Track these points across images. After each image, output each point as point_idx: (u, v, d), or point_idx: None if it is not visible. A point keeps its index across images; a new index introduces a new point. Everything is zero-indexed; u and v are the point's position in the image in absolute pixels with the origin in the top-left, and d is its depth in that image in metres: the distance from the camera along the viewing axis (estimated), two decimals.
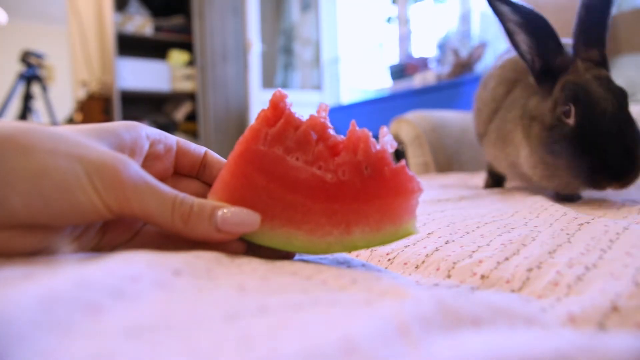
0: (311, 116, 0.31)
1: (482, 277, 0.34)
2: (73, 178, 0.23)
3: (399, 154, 1.47)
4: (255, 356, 0.13)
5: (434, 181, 1.20)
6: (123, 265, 0.20)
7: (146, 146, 0.30)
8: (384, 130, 0.31)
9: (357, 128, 0.31)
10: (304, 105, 3.22)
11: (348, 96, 3.11)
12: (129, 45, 2.96)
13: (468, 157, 1.49)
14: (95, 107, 2.85)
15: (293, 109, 0.30)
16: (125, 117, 2.96)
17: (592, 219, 0.43)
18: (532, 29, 0.60)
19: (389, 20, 2.71)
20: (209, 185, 0.34)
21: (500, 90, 0.76)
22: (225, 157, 0.32)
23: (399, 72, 2.27)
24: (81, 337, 0.14)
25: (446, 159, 1.42)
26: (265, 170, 0.29)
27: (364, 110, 2.24)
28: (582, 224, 0.42)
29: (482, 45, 1.87)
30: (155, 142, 0.31)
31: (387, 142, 0.30)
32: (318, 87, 3.41)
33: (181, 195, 0.27)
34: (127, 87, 2.87)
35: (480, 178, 1.18)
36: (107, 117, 2.91)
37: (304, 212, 0.29)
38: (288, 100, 0.31)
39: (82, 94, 2.93)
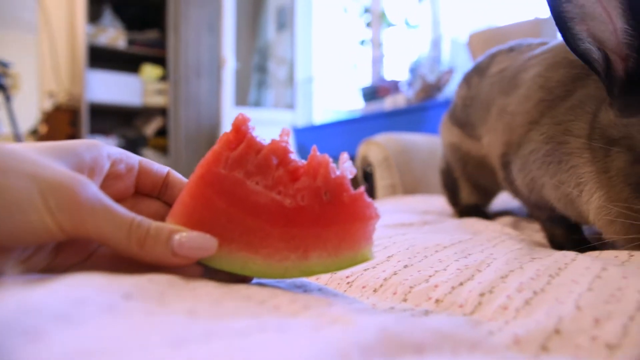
0: (272, 141, 0.31)
1: (437, 301, 0.35)
2: (26, 197, 0.23)
3: (368, 176, 1.49)
4: None
5: (400, 203, 1.21)
6: (70, 289, 0.20)
7: (106, 165, 0.29)
8: (343, 156, 0.31)
9: (318, 153, 0.31)
10: (276, 124, 3.23)
11: (321, 116, 3.14)
12: (101, 58, 2.92)
13: (436, 180, 1.52)
14: (62, 119, 2.78)
15: (259, 130, 0.30)
16: (94, 130, 2.90)
17: (546, 255, 0.44)
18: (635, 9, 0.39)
19: (362, 42, 2.77)
20: (170, 205, 0.33)
21: (556, 87, 0.51)
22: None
23: (371, 94, 2.31)
24: None
25: (413, 182, 1.45)
26: (225, 193, 0.29)
27: (336, 131, 2.26)
28: (534, 258, 0.42)
29: (450, 71, 1.93)
30: (116, 161, 0.30)
31: (346, 168, 0.30)
32: (291, 106, 3.43)
33: (138, 218, 0.27)
34: (97, 99, 2.82)
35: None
36: (73, 129, 2.84)
37: (262, 236, 0.29)
38: (250, 124, 0.31)
39: (48, 104, 2.85)
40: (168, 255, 0.27)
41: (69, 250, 0.29)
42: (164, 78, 3.08)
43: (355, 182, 2.26)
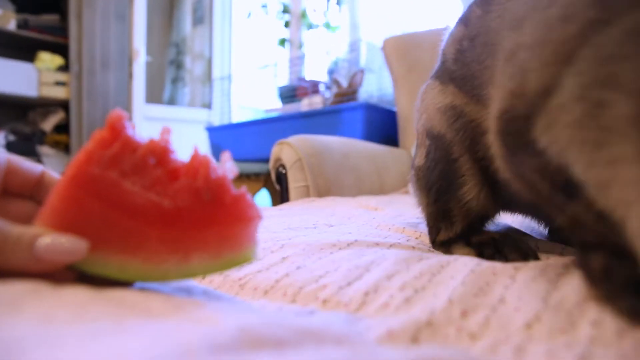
0: (150, 139, 0.30)
1: (324, 301, 0.36)
2: None
3: (280, 177, 1.45)
4: None
5: (310, 205, 1.19)
6: None
7: None
8: (225, 156, 0.31)
9: (200, 153, 0.30)
10: (192, 122, 3.08)
11: (238, 115, 3.05)
12: None
13: (349, 182, 1.52)
14: None
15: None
16: None
17: (434, 256, 0.45)
18: None
19: (282, 42, 2.73)
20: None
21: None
22: None
23: (289, 94, 2.28)
24: None
25: (326, 184, 1.43)
26: (98, 194, 0.28)
27: (251, 131, 2.20)
28: (422, 259, 0.43)
29: (362, 71, 1.95)
30: None
31: (228, 169, 0.30)
32: (208, 104, 3.31)
33: None
34: None
35: (357, 202, 1.20)
36: None
37: (139, 239, 0.28)
38: (127, 122, 0.30)
39: None
40: (31, 260, 0.25)
41: None
42: (65, 68, 2.81)
43: (269, 183, 2.22)
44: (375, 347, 0.24)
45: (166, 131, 0.32)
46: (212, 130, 2.43)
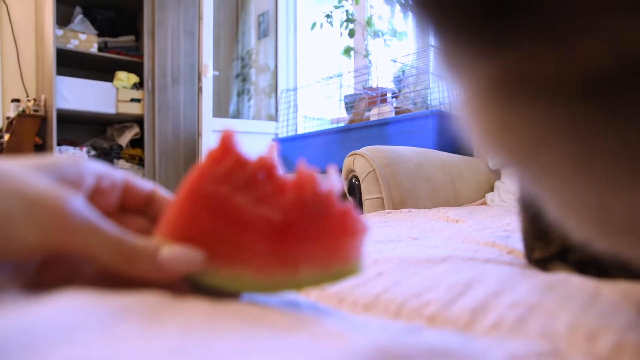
0: (260, 156, 0.31)
1: (430, 318, 0.35)
2: (11, 213, 0.24)
3: (353, 188, 1.40)
4: None
5: (388, 217, 1.13)
6: (64, 308, 0.20)
7: (90, 181, 0.30)
8: (332, 170, 0.31)
9: (305, 167, 0.31)
10: (258, 134, 3.13)
11: (304, 126, 3.06)
12: (72, 63, 2.79)
13: (423, 193, 1.44)
14: (28, 128, 2.62)
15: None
16: (63, 140, 2.75)
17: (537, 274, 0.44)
18: None
19: (346, 52, 2.70)
20: (155, 221, 0.33)
21: None
22: (172, 187, 0.33)
23: (355, 104, 2.24)
24: None
25: (400, 195, 1.36)
26: (212, 209, 0.29)
27: (319, 142, 2.18)
28: (525, 276, 0.43)
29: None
30: (101, 177, 0.31)
31: (334, 183, 0.31)
32: (273, 116, 3.34)
33: (124, 233, 0.27)
34: (67, 107, 2.68)
35: (435, 214, 1.13)
36: (41, 139, 2.69)
37: (250, 251, 0.29)
38: (237, 140, 0.31)
39: (13, 112, 2.70)
40: (154, 270, 0.28)
41: (55, 266, 0.29)
42: (139, 85, 2.95)
43: (342, 196, 2.17)
44: None
45: (272, 147, 0.33)
46: (280, 142, 2.44)
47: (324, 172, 0.32)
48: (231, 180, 0.30)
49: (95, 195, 0.30)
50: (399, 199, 1.36)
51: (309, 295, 0.42)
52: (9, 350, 0.16)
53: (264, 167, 0.31)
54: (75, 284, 0.27)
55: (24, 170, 0.26)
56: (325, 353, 0.18)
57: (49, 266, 0.29)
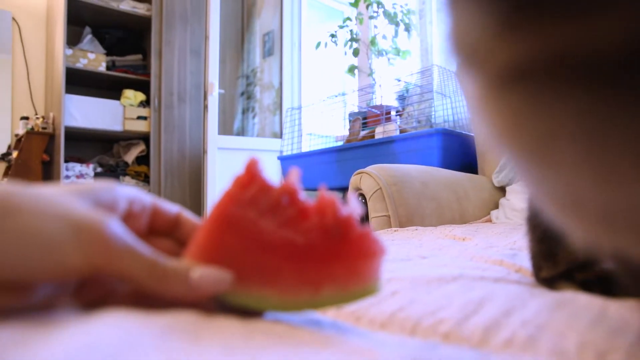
0: (283, 182, 0.33)
1: (445, 335, 0.36)
2: (58, 237, 0.25)
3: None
4: None
5: (396, 235, 1.14)
6: (116, 328, 0.21)
7: (123, 205, 0.31)
8: (351, 195, 0.33)
9: (326, 194, 0.33)
10: (262, 152, 3.15)
11: (309, 144, 3.08)
12: (80, 82, 2.83)
13: (429, 212, 1.45)
14: (36, 145, 2.65)
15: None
16: (71, 157, 2.78)
17: (547, 293, 0.45)
18: None
19: (350, 70, 2.74)
20: (181, 243, 0.35)
21: None
22: (177, 204, 0.35)
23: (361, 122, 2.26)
24: None
25: (407, 213, 1.37)
26: (239, 233, 0.31)
27: (326, 159, 2.19)
28: (534, 295, 0.43)
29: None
30: (132, 201, 0.32)
31: (354, 207, 0.32)
32: (277, 133, 3.37)
33: (157, 255, 0.29)
34: (75, 125, 2.71)
35: (442, 231, 1.13)
36: (48, 155, 2.71)
37: (275, 273, 0.31)
38: (261, 166, 0.33)
39: (22, 129, 2.73)
40: (186, 290, 0.29)
41: (91, 286, 0.30)
42: (146, 103, 2.99)
43: (361, 219, 2.17)
44: None
45: (294, 173, 0.34)
46: (284, 159, 2.46)
47: (330, 189, 0.34)
48: (257, 205, 0.32)
49: (127, 219, 0.31)
50: (406, 217, 1.37)
51: (328, 314, 0.43)
52: None
53: (287, 192, 0.33)
54: (110, 304, 0.29)
55: (64, 196, 0.27)
56: None
57: (85, 286, 0.30)
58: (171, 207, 0.36)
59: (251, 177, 0.33)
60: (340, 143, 2.35)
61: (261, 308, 0.31)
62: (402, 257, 0.74)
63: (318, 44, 2.77)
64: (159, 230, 0.35)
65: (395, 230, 1.25)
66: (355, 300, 0.32)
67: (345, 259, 0.32)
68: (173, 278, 0.29)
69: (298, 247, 0.32)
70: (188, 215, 0.36)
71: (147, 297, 0.30)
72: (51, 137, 2.73)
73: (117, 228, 0.28)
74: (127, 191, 0.32)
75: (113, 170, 2.97)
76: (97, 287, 0.31)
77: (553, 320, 0.36)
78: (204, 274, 0.29)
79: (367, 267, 0.32)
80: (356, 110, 2.47)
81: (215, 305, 0.31)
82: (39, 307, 0.28)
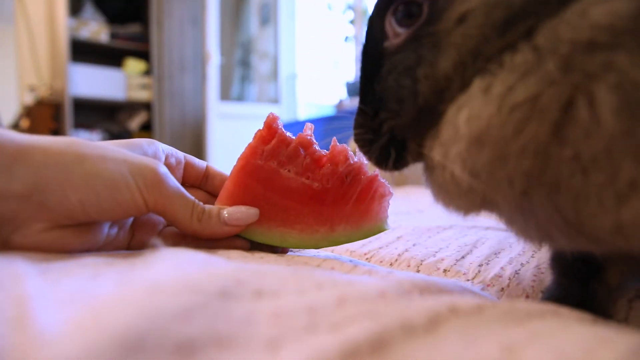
0: (299, 134, 0.36)
1: (445, 271, 0.42)
2: (120, 178, 0.28)
3: None
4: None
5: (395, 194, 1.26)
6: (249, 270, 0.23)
7: (163, 159, 0.34)
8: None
9: (337, 144, 0.37)
10: (260, 118, 3.23)
11: (305, 111, 3.17)
12: (83, 51, 2.89)
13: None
14: (44, 113, 2.74)
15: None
16: (77, 124, 2.87)
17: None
18: None
19: (346, 39, 2.82)
20: (211, 194, 0.38)
21: None
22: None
23: (356, 89, 2.35)
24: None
25: (402, 174, 1.50)
26: (262, 180, 0.34)
27: (325, 126, 2.28)
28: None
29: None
30: (169, 155, 0.35)
31: (362, 155, 0.35)
32: (275, 100, 3.46)
33: (195, 199, 0.32)
34: (80, 94, 2.79)
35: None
36: (56, 123, 2.81)
37: (295, 214, 0.34)
38: (280, 122, 0.36)
39: (29, 98, 2.81)
40: (221, 225, 0.32)
41: (143, 230, 0.34)
42: (148, 72, 3.07)
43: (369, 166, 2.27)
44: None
45: (309, 127, 0.38)
46: (284, 127, 2.55)
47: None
48: (277, 156, 0.35)
49: None
50: (401, 177, 1.51)
51: (343, 254, 0.48)
52: (241, 292, 0.19)
53: (304, 144, 0.36)
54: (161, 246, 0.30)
55: (118, 147, 0.30)
56: (391, 279, 0.23)
57: (137, 230, 0.34)
58: (201, 162, 0.38)
59: (271, 132, 0.35)
60: (338, 112, 2.45)
61: (284, 245, 0.35)
62: (402, 211, 0.82)
63: (314, 13, 2.81)
64: (191, 182, 0.38)
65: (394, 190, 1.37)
66: (367, 236, 0.35)
67: (357, 201, 0.35)
68: (209, 216, 0.31)
69: (314, 191, 0.34)
70: (216, 169, 0.39)
71: (190, 239, 0.33)
72: (58, 107, 2.82)
73: (168, 173, 0.30)
74: (164, 146, 0.35)
75: (118, 137, 3.07)
76: (149, 231, 0.34)
77: (533, 259, 0.42)
78: (233, 210, 0.33)
79: (376, 208, 0.35)
80: (353, 78, 2.56)
81: (247, 243, 0.35)
82: (103, 247, 0.30)
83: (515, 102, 0.22)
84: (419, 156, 0.29)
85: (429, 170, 0.28)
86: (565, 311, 0.22)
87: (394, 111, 0.28)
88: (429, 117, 0.27)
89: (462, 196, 0.25)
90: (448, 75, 0.25)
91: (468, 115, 0.23)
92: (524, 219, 0.26)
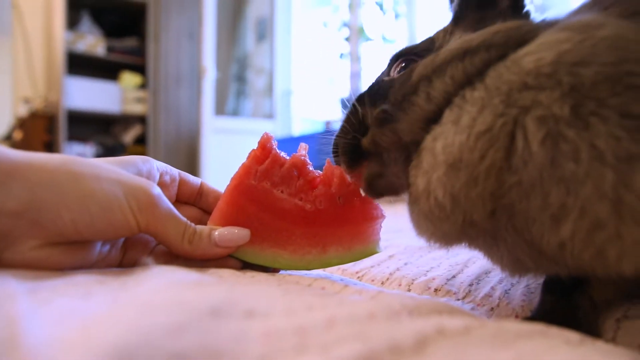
0: (293, 155, 0.37)
1: (435, 290, 0.42)
2: (114, 199, 0.28)
3: None
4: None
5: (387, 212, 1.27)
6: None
7: (157, 176, 0.34)
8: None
9: (332, 164, 0.37)
10: (255, 133, 3.26)
11: (299, 127, 3.18)
12: (79, 64, 2.90)
13: None
14: (38, 126, 2.73)
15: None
16: (71, 137, 2.86)
17: None
18: None
19: (341, 56, 2.85)
20: (204, 211, 0.38)
21: None
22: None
23: None
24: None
25: None
26: (255, 201, 0.34)
27: (315, 142, 2.30)
28: None
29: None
30: (163, 173, 0.35)
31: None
32: (270, 115, 3.48)
33: (187, 220, 0.32)
34: (75, 106, 2.79)
35: None
36: (50, 136, 2.80)
37: (288, 235, 0.34)
38: (274, 141, 0.36)
39: (23, 110, 2.80)
40: (212, 247, 0.32)
41: (135, 248, 0.33)
42: (143, 86, 3.08)
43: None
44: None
45: (303, 147, 0.38)
46: (279, 142, 2.56)
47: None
48: (270, 176, 0.35)
49: (160, 188, 0.33)
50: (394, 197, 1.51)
51: (335, 273, 0.46)
52: (233, 313, 0.19)
53: (297, 164, 0.36)
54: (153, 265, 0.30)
55: (112, 165, 0.30)
56: (379, 301, 0.23)
57: (129, 248, 0.33)
58: (195, 179, 0.38)
59: (265, 152, 0.35)
60: (332, 128, 2.47)
61: (276, 266, 0.35)
62: (394, 229, 0.79)
63: (310, 30, 2.85)
64: (185, 199, 0.38)
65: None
66: (358, 259, 0.35)
67: (349, 223, 0.35)
68: (199, 238, 0.31)
69: (307, 213, 0.34)
70: (210, 186, 0.39)
71: (181, 258, 0.33)
72: (52, 119, 2.82)
73: (161, 194, 0.30)
74: (159, 164, 0.35)
75: (112, 151, 3.07)
76: (141, 249, 0.34)
77: (523, 278, 0.41)
78: (224, 232, 0.32)
79: (369, 230, 0.35)
80: (347, 94, 2.58)
81: (239, 263, 0.34)
82: (95, 265, 0.30)
83: (478, 131, 0.26)
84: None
85: (413, 201, 0.31)
86: (553, 331, 0.22)
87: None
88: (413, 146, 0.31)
89: (446, 220, 0.28)
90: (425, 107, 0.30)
91: (444, 144, 0.27)
92: (497, 245, 0.29)
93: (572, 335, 0.22)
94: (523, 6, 0.35)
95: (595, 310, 0.33)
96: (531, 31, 0.29)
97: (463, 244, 0.32)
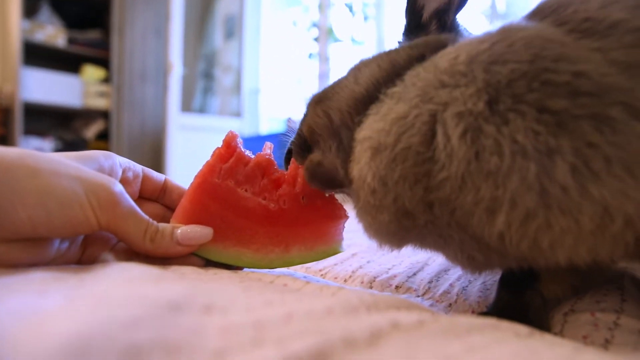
0: (258, 154, 0.37)
1: (396, 287, 0.43)
2: (73, 196, 0.27)
3: None
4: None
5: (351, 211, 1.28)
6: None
7: (120, 172, 0.33)
8: None
9: (297, 165, 0.37)
10: (222, 131, 3.21)
11: (266, 125, 3.17)
12: (37, 55, 2.79)
13: None
14: None
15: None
16: (28, 131, 2.75)
17: None
18: None
19: (310, 56, 2.86)
20: (168, 207, 0.38)
21: None
22: None
23: None
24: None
25: None
26: (219, 199, 0.34)
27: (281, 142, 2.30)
28: None
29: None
30: (126, 169, 0.34)
31: None
32: (238, 114, 3.44)
33: (149, 218, 0.31)
34: (32, 99, 2.68)
35: None
36: (4, 129, 2.68)
37: (251, 234, 0.34)
38: (239, 140, 0.36)
39: None
40: (174, 245, 0.32)
41: (95, 245, 0.33)
42: (106, 80, 2.99)
43: None
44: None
45: (269, 146, 0.38)
46: (245, 140, 2.55)
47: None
48: (234, 175, 0.35)
49: (122, 184, 0.32)
50: None
51: (298, 271, 0.47)
52: (192, 308, 0.19)
53: (262, 164, 0.36)
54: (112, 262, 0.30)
55: (72, 160, 0.29)
56: (339, 297, 0.23)
57: (89, 245, 0.33)
58: (159, 175, 0.38)
59: (230, 150, 0.35)
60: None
61: (238, 264, 0.34)
62: (357, 229, 0.84)
63: (279, 29, 2.84)
64: (149, 195, 0.37)
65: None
66: (321, 258, 0.36)
67: (313, 223, 0.35)
68: (161, 236, 0.31)
69: (270, 212, 0.34)
70: (174, 182, 0.38)
71: (143, 256, 0.32)
72: (7, 111, 2.69)
73: (122, 191, 0.30)
74: (122, 160, 0.34)
75: (72, 146, 2.96)
76: (101, 246, 0.33)
77: (481, 276, 0.43)
78: (186, 230, 0.32)
79: (331, 230, 0.36)
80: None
81: (202, 261, 0.34)
82: (52, 261, 0.29)
83: (393, 118, 0.28)
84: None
85: (355, 197, 0.32)
86: (505, 325, 0.23)
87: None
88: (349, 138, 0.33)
89: (381, 209, 0.29)
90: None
91: (367, 132, 0.30)
92: (447, 244, 0.30)
93: (522, 329, 0.24)
94: (453, 28, 0.38)
95: (545, 306, 0.34)
96: (452, 39, 0.31)
97: (414, 244, 0.33)
